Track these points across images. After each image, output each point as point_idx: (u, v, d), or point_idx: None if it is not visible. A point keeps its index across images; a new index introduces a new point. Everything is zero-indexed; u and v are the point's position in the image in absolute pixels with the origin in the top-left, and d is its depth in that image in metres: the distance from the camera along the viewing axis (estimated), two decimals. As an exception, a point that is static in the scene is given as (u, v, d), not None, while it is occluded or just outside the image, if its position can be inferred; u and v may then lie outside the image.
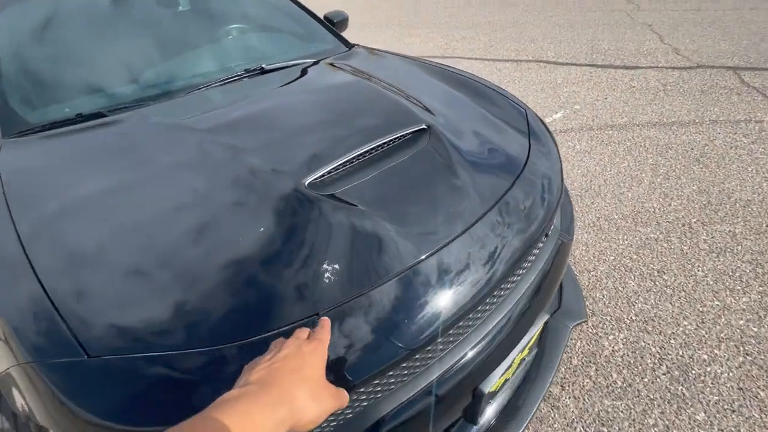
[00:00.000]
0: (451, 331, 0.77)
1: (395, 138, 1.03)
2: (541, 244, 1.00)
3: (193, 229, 0.79)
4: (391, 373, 0.71)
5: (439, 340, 0.74)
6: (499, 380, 0.85)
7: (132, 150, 1.04)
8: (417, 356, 0.74)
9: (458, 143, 1.06)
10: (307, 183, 0.86)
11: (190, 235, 0.78)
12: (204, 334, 0.64)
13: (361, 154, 0.96)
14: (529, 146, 1.15)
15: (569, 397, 1.31)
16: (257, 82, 1.41)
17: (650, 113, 3.03)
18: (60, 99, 1.31)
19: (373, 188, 0.88)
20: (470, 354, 0.81)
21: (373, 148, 0.98)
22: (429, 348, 0.74)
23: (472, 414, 0.86)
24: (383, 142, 1.00)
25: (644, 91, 3.40)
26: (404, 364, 0.72)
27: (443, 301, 0.75)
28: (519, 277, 0.93)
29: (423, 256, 0.77)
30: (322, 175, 0.90)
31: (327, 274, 0.72)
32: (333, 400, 0.42)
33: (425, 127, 1.08)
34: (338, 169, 0.92)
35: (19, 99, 1.30)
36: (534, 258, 0.98)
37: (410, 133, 1.06)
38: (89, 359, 0.60)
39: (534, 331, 0.93)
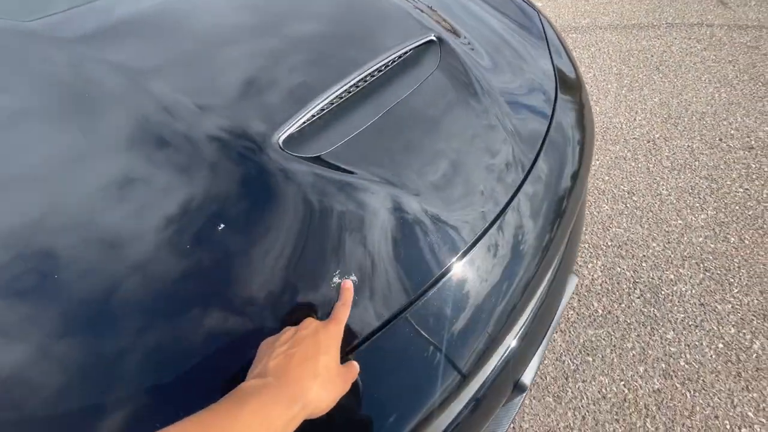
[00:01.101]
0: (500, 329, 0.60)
1: (394, 58, 0.71)
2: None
3: (68, 227, 0.47)
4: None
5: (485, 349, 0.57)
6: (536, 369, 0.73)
7: None
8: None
9: (478, 62, 0.77)
10: (281, 140, 0.55)
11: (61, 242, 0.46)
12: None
13: (348, 88, 0.64)
14: (553, 64, 0.90)
15: (557, 331, 1.31)
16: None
17: (611, 14, 2.84)
18: None
19: (374, 143, 0.59)
20: (513, 343, 0.67)
21: (364, 77, 0.67)
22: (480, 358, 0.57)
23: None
24: (379, 65, 0.68)
25: (604, -14, 3.14)
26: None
27: (492, 301, 0.56)
28: (555, 238, 0.77)
29: (465, 247, 0.55)
30: (300, 125, 0.58)
31: (336, 294, 0.47)
32: (343, 384, 0.42)
33: (434, 38, 0.76)
34: (321, 112, 0.61)
35: None
36: (571, 210, 0.81)
37: (414, 48, 0.74)
38: None
39: (567, 297, 0.81)
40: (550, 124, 0.74)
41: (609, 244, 1.54)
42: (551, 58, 0.90)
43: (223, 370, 0.42)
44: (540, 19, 1.01)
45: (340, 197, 0.52)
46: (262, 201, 0.50)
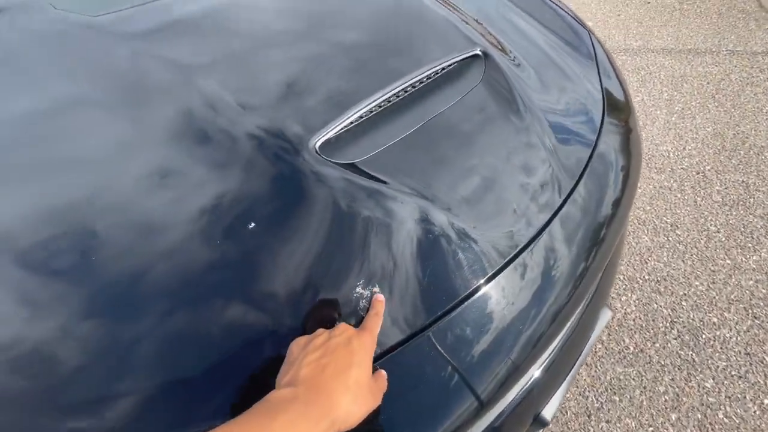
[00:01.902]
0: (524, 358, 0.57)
1: (438, 69, 0.70)
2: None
3: (114, 224, 0.48)
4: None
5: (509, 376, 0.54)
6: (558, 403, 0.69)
7: (13, 66, 0.64)
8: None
9: (523, 80, 0.75)
10: (317, 145, 0.55)
11: (108, 237, 0.47)
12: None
13: (389, 97, 0.64)
14: (602, 86, 0.86)
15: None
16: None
17: (666, 37, 2.72)
18: None
19: (410, 154, 0.59)
20: (537, 374, 0.63)
21: (406, 86, 0.66)
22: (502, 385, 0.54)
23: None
24: (422, 75, 0.68)
25: (660, 9, 3.03)
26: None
27: (518, 327, 0.54)
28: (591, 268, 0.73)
29: (495, 268, 0.53)
30: (339, 130, 0.58)
31: (363, 303, 0.47)
32: (373, 399, 0.41)
33: (479, 52, 0.75)
34: (360, 119, 0.61)
35: None
36: (611, 238, 0.77)
37: (458, 61, 0.73)
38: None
39: (598, 331, 0.76)
40: (594, 147, 0.71)
41: (646, 278, 1.45)
42: (600, 79, 0.87)
43: (252, 367, 0.42)
44: (590, 39, 0.98)
45: (370, 205, 0.51)
46: (294, 203, 0.51)
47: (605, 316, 0.81)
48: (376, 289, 0.47)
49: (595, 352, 1.27)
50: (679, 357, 1.25)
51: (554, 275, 0.59)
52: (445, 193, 0.56)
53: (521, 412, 0.61)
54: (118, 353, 0.40)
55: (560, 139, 0.70)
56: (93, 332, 0.41)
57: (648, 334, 1.31)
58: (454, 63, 0.73)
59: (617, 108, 0.84)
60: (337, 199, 0.51)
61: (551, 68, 0.85)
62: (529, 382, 0.63)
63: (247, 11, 0.80)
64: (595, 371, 1.23)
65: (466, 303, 0.50)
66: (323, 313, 0.46)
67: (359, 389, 0.38)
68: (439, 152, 0.59)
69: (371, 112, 0.62)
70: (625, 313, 1.36)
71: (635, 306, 1.38)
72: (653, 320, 1.34)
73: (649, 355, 1.26)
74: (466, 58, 0.74)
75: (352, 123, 0.60)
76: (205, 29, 0.75)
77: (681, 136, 2.00)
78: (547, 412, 0.66)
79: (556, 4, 1.04)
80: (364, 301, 0.47)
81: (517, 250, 0.55)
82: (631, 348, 1.28)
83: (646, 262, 1.50)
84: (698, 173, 1.82)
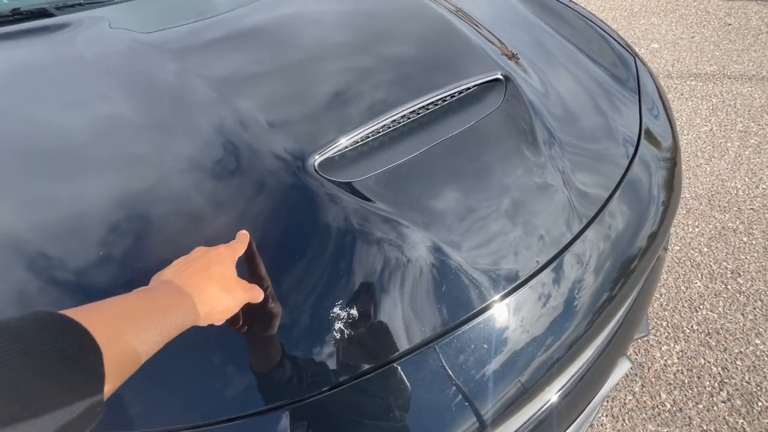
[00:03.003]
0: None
1: (455, 92, 0.69)
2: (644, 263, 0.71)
3: (136, 227, 0.52)
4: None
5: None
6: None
7: (60, 79, 0.73)
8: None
9: (547, 107, 0.72)
10: (316, 163, 0.57)
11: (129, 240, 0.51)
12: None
13: (401, 117, 0.64)
14: (641, 116, 0.80)
15: (606, 415, 1.13)
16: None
17: (746, 62, 2.47)
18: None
19: (409, 177, 0.58)
20: (543, 410, 0.59)
21: (420, 108, 0.66)
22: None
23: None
24: (437, 97, 0.67)
25: (742, 31, 2.75)
26: None
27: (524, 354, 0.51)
28: (612, 306, 0.67)
29: (492, 299, 0.51)
30: (343, 149, 0.59)
31: (339, 326, 0.46)
32: (245, 292, 0.43)
33: (500, 77, 0.73)
34: (367, 139, 0.61)
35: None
36: (633, 277, 0.70)
37: (478, 85, 0.71)
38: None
39: (614, 382, 0.69)
40: (618, 185, 0.65)
41: (695, 328, 1.30)
42: (640, 110, 0.81)
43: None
44: (636, 66, 0.91)
45: (354, 223, 0.52)
46: (283, 216, 0.52)
47: (623, 367, 0.74)
48: (349, 308, 0.47)
49: (625, 403, 1.15)
50: (727, 424, 1.10)
51: (563, 306, 0.55)
52: (436, 217, 0.55)
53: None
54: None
55: (581, 170, 0.66)
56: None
57: (690, 392, 1.17)
58: (474, 86, 0.71)
59: (656, 141, 0.77)
60: (324, 215, 0.52)
61: (586, 97, 0.80)
62: (534, 416, 0.59)
63: (284, 32, 0.84)
64: (622, 425, 1.12)
65: (458, 331, 0.49)
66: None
67: (224, 281, 0.40)
68: (438, 177, 0.58)
69: (380, 132, 0.63)
70: (664, 365, 1.23)
71: (678, 358, 1.24)
72: (698, 377, 1.20)
73: (689, 416, 1.12)
74: (487, 81, 0.72)
75: (357, 142, 0.61)
76: (245, 48, 0.80)
77: (754, 173, 1.79)
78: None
79: (601, 28, 0.99)
80: (341, 317, 0.47)
81: (518, 282, 0.53)
82: (668, 405, 1.15)
83: (697, 311, 1.34)
84: (771, 216, 1.61)
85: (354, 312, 0.47)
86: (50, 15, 0.88)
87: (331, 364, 0.45)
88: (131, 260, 0.49)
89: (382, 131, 0.63)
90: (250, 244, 0.47)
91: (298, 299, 0.48)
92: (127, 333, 0.29)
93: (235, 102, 0.66)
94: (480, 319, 0.51)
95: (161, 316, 0.33)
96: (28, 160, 0.59)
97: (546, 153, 0.64)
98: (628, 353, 1.10)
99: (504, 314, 0.52)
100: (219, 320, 0.41)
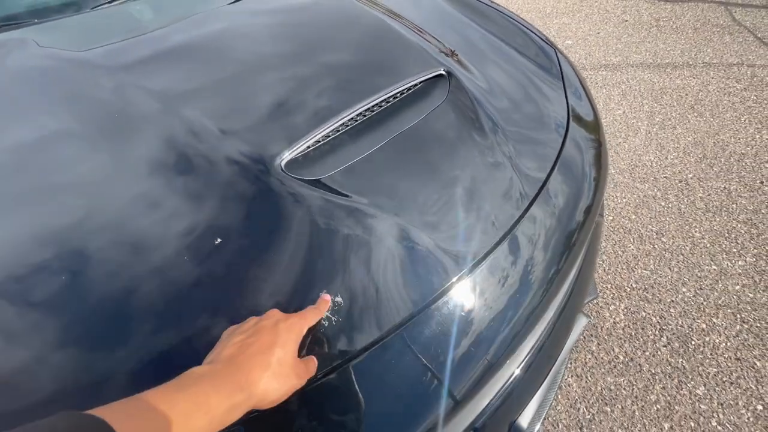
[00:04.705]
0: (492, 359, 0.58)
1: (403, 89, 0.74)
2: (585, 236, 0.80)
3: (94, 235, 0.51)
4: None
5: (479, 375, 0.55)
6: (535, 410, 0.69)
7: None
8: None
9: (487, 97, 0.79)
10: (283, 163, 0.58)
11: (89, 249, 0.49)
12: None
13: (356, 116, 0.67)
14: (567, 101, 0.90)
15: (572, 375, 1.24)
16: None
17: (644, 52, 2.82)
18: None
19: (373, 169, 0.61)
20: (517, 372, 0.64)
21: (372, 106, 0.70)
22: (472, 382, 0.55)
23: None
24: (387, 95, 0.71)
25: (637, 26, 3.14)
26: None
27: (485, 329, 0.55)
28: (561, 274, 0.74)
29: (456, 277, 0.55)
30: (305, 149, 0.61)
31: (328, 313, 0.48)
32: (297, 379, 0.42)
33: (443, 73, 0.79)
34: (327, 138, 0.64)
35: None
36: (576, 247, 0.79)
37: (423, 81, 0.77)
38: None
39: (574, 338, 0.77)
40: (556, 161, 0.74)
41: (634, 286, 1.46)
42: (566, 96, 0.91)
43: (185, 355, 0.43)
44: (557, 57, 1.02)
45: (330, 217, 0.54)
46: (259, 217, 0.53)
47: (581, 323, 0.82)
48: (333, 296, 0.49)
49: (585, 362, 1.27)
50: (670, 365, 1.25)
51: (521, 279, 0.61)
52: (405, 204, 0.59)
53: (496, 419, 0.62)
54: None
55: (524, 154, 0.73)
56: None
57: (638, 342, 1.31)
58: (419, 83, 0.76)
59: (583, 122, 0.88)
60: (301, 212, 0.53)
61: (517, 87, 0.89)
62: (503, 387, 0.64)
63: (225, 42, 0.84)
64: (586, 382, 1.22)
65: (427, 308, 0.52)
66: (262, 304, 0.47)
67: (281, 368, 0.39)
68: (402, 167, 0.62)
69: (338, 131, 0.66)
70: (614, 323, 1.36)
71: (624, 315, 1.38)
72: (642, 329, 1.34)
73: (640, 364, 1.26)
74: (431, 78, 0.78)
75: (319, 141, 0.63)
76: (188, 60, 0.79)
77: (663, 146, 2.05)
78: (523, 420, 0.66)
79: (524, 25, 1.10)
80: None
81: (478, 258, 0.57)
82: (621, 357, 1.28)
83: (633, 271, 1.51)
84: (681, 181, 1.86)
85: (353, 295, 0.49)
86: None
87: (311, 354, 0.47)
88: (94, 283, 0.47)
89: (342, 129, 0.65)
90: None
91: (282, 291, 0.49)
92: None
93: (183, 111, 0.66)
94: (442, 300, 0.53)
95: (207, 418, 0.33)
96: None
97: (492, 138, 0.71)
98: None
99: (465, 293, 0.55)
100: (268, 407, 0.39)
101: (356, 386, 0.47)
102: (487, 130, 0.72)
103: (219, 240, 0.51)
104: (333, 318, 0.48)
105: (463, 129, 0.70)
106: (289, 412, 0.44)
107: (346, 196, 0.56)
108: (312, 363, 0.44)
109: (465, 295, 0.55)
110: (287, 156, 0.59)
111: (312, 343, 0.47)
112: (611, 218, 1.70)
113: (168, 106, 0.67)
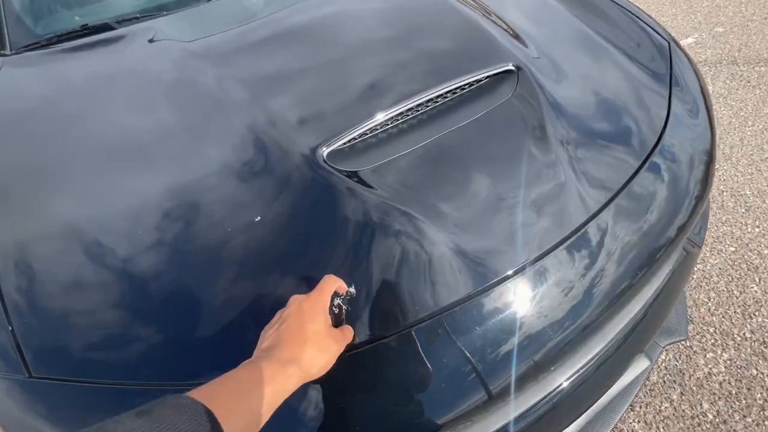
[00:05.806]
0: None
1: (463, 85, 0.70)
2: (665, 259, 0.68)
3: (180, 215, 0.60)
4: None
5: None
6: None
7: (117, 87, 0.82)
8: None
9: (561, 98, 0.71)
10: (325, 154, 0.61)
11: (177, 227, 0.59)
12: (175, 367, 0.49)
13: (410, 110, 0.67)
14: (669, 107, 0.76)
15: (638, 421, 1.08)
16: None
17: (832, 43, 2.18)
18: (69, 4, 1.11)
19: (414, 167, 0.60)
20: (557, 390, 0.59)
21: (428, 100, 0.68)
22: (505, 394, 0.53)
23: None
24: (445, 90, 0.69)
25: (829, 8, 2.44)
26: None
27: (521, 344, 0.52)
28: (627, 301, 0.64)
29: (487, 285, 0.52)
30: (351, 140, 0.63)
31: (363, 295, 0.51)
32: (338, 344, 0.46)
33: (512, 68, 0.73)
34: (375, 130, 0.65)
35: (29, 6, 1.12)
36: (650, 275, 0.67)
37: (488, 77, 0.72)
38: (29, 379, 0.48)
39: (630, 378, 0.67)
40: (632, 177, 0.63)
41: (747, 336, 1.19)
42: (669, 102, 0.77)
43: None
44: (669, 53, 0.86)
45: (358, 209, 0.56)
46: (296, 203, 0.58)
47: (641, 364, 0.71)
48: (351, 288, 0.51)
49: (660, 410, 1.09)
50: (779, 441, 1.00)
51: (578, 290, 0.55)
52: (439, 206, 0.57)
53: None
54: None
55: (593, 166, 0.65)
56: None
57: (738, 404, 1.08)
58: (485, 78, 0.72)
59: (686, 136, 0.73)
60: (331, 201, 0.56)
61: (607, 88, 0.78)
62: (539, 403, 0.59)
63: (314, 34, 0.89)
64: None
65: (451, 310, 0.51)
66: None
67: (317, 337, 0.43)
68: (443, 167, 0.60)
69: (388, 123, 0.66)
70: (709, 373, 1.14)
71: (725, 367, 1.14)
72: (748, 389, 1.10)
73: (735, 430, 1.03)
74: (499, 73, 0.72)
75: (366, 133, 0.64)
76: (279, 52, 0.85)
77: (833, 168, 1.59)
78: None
79: (633, 13, 0.95)
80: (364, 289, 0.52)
81: (520, 266, 0.54)
82: (710, 416, 1.06)
83: (750, 317, 1.23)
84: None
85: (374, 285, 0.52)
86: (111, 28, 1.00)
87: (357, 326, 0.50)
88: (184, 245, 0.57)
89: (393, 122, 0.66)
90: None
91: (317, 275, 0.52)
92: (242, 409, 0.35)
93: (267, 103, 0.71)
94: (492, 293, 0.53)
95: (268, 387, 0.38)
96: (107, 157, 0.68)
97: (555, 146, 0.64)
98: (660, 356, 1.04)
99: (514, 292, 0.53)
100: (318, 376, 0.43)
101: (391, 365, 0.50)
102: (550, 136, 0.65)
103: (259, 218, 0.56)
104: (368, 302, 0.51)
105: (518, 134, 0.65)
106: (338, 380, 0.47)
107: (374, 188, 0.57)
108: (348, 330, 0.48)
109: (520, 292, 0.53)
110: (333, 146, 0.61)
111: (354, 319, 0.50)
112: (733, 249, 1.40)
113: (255, 96, 0.73)
